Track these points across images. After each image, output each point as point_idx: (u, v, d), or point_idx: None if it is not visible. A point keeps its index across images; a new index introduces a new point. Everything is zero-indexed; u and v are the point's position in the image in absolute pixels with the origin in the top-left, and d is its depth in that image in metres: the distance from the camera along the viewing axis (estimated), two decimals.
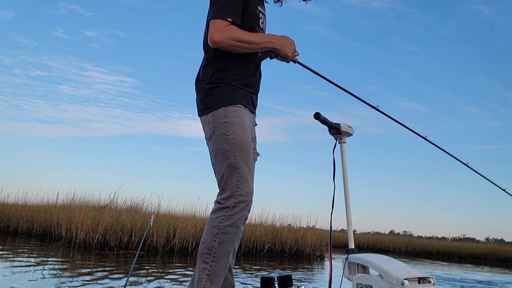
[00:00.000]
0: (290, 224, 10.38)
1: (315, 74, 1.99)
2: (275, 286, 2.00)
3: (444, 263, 13.54)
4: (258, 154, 1.99)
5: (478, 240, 31.24)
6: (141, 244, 2.23)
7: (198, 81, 1.92)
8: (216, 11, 1.75)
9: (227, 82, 1.84)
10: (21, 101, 24.49)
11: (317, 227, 10.75)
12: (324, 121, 2.00)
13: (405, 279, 1.64)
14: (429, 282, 1.69)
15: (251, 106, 1.94)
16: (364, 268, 1.88)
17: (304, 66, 1.96)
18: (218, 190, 1.78)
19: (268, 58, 1.97)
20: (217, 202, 1.76)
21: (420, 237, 30.29)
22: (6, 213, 10.19)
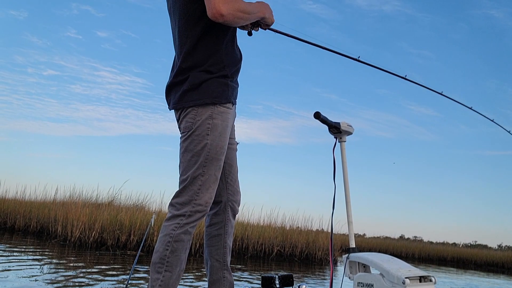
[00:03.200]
0: (299, 227, 10.20)
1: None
2: (276, 285, 2.00)
3: (461, 270, 13.26)
4: (237, 143, 1.93)
5: (490, 247, 30.65)
6: (141, 244, 2.22)
7: (186, 68, 1.67)
8: None
9: (220, 69, 1.67)
10: (34, 100, 25.17)
11: (329, 230, 10.54)
12: (324, 120, 2.01)
13: (406, 277, 1.63)
14: (430, 280, 1.67)
15: (236, 98, 1.81)
16: (365, 267, 1.87)
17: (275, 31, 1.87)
18: (177, 189, 1.68)
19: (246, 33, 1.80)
20: (172, 205, 1.66)
21: (431, 242, 29.83)
22: (4, 208, 9.85)
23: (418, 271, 1.69)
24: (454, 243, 30.74)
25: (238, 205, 1.92)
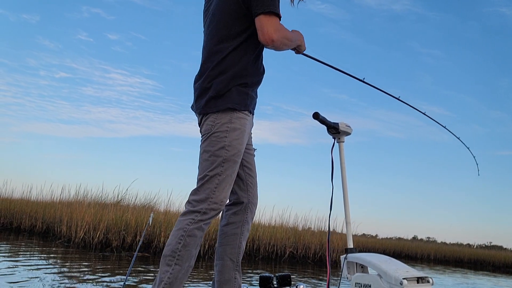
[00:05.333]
0: (310, 228, 10.06)
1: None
2: (273, 285, 2.01)
3: (480, 272, 12.97)
4: (254, 149, 1.99)
5: (505, 248, 29.98)
6: (139, 244, 2.24)
7: (214, 75, 1.79)
8: (268, 4, 1.67)
9: (242, 77, 1.79)
10: (46, 102, 25.78)
11: (343, 232, 10.37)
12: (323, 120, 2.01)
13: (404, 278, 1.63)
14: (428, 281, 1.66)
15: (254, 108, 1.93)
16: (363, 268, 1.86)
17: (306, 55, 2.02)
18: (195, 187, 1.76)
19: None
20: (189, 202, 1.74)
21: (445, 243, 29.30)
22: (10, 208, 9.61)
23: (415, 272, 1.68)
24: (468, 244, 30.20)
25: (256, 208, 1.98)
